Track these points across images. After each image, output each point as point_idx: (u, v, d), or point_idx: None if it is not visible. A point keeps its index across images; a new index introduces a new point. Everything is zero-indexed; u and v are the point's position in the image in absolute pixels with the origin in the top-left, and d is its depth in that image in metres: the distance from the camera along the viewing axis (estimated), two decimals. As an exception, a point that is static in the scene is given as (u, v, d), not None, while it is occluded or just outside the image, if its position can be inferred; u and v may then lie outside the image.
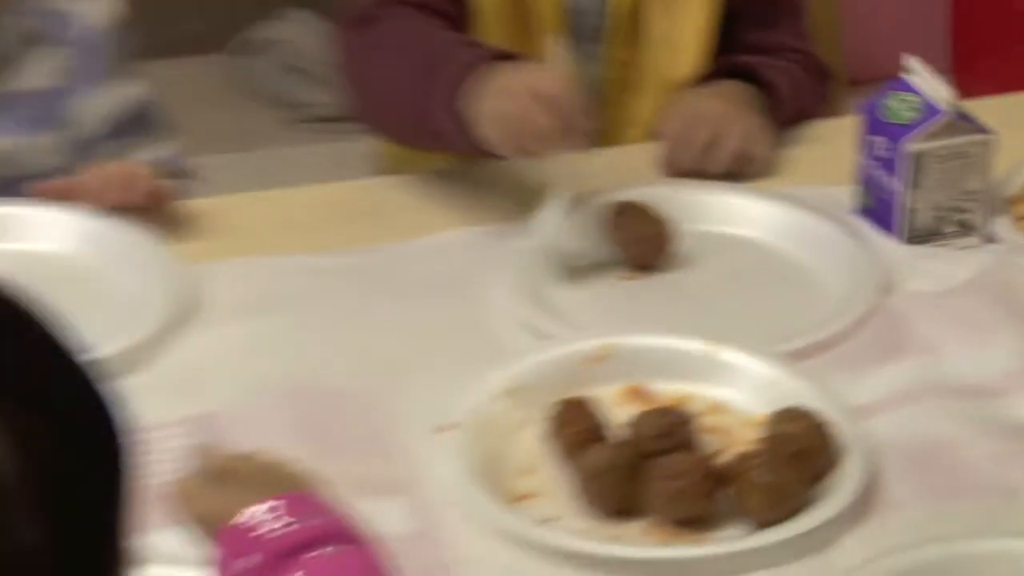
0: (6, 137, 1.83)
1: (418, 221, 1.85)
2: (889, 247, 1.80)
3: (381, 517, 1.24)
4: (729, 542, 1.42)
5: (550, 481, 1.49)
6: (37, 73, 1.84)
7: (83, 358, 0.86)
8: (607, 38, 1.97)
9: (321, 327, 1.68)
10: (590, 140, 1.70)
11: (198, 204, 1.84)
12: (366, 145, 2.22)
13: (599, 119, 1.73)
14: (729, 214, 1.87)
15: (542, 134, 1.65)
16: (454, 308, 1.71)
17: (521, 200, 1.79)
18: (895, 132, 1.78)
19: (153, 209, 1.77)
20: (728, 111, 1.93)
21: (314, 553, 1.16)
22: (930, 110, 1.77)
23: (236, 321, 1.67)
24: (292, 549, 1.16)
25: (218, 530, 1.18)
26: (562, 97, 1.65)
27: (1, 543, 0.78)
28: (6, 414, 0.80)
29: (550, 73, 1.70)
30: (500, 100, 1.67)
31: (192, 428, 1.48)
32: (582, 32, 1.92)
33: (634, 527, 1.44)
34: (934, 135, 1.77)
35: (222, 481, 1.22)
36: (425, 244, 1.81)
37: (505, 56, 1.72)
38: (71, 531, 0.83)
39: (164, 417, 1.47)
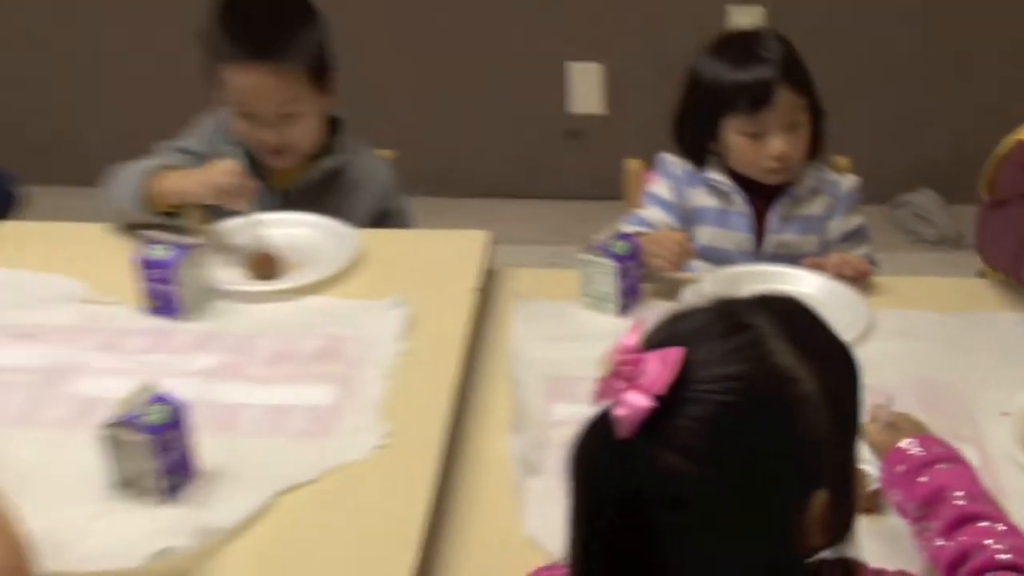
0: (793, 235, 1.75)
1: (982, 303, 1.61)
2: None
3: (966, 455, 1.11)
4: None
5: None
6: (815, 206, 1.75)
7: (838, 337, 0.84)
8: None
9: (930, 350, 1.50)
10: None
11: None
12: (965, 259, 1.99)
13: None
14: None
15: None
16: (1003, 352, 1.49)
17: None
18: None
19: (859, 280, 1.62)
20: None
21: (936, 466, 1.07)
22: None
23: (895, 338, 1.51)
24: (924, 463, 1.07)
25: (886, 452, 1.11)
26: None
27: (811, 429, 0.77)
28: (815, 364, 0.78)
29: None
30: None
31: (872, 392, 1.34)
32: None
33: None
34: None
35: (889, 426, 1.14)
36: (985, 316, 1.57)
37: None
38: (840, 425, 0.80)
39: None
